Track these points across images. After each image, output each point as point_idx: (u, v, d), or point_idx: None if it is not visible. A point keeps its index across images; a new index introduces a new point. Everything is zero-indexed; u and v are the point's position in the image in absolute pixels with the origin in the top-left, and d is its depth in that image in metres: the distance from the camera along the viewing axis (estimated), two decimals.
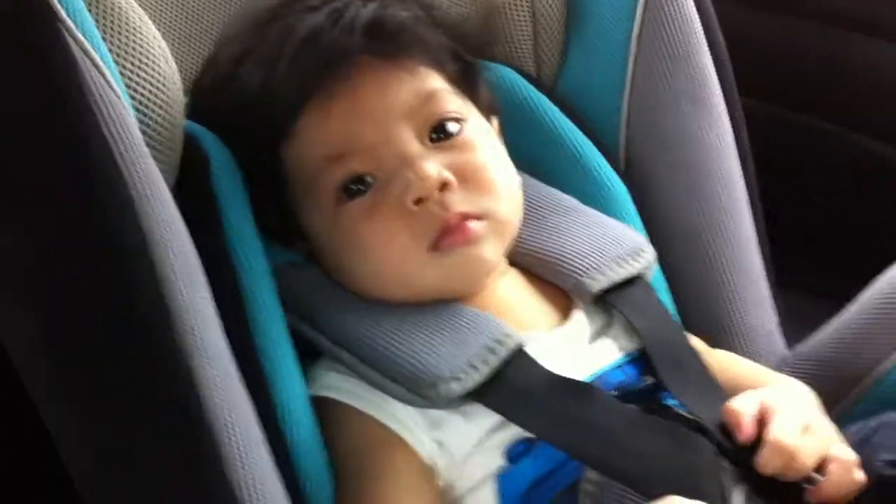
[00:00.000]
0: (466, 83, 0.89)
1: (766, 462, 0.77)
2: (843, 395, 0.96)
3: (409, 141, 0.83)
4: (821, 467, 0.78)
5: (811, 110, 1.36)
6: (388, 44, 0.83)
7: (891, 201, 1.31)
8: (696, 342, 0.90)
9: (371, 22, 0.83)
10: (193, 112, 0.87)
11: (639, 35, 1.02)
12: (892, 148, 1.32)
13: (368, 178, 0.82)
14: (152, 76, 0.77)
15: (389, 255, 0.81)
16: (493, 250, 0.83)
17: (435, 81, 0.85)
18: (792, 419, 0.78)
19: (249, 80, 0.84)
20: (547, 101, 1.02)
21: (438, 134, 0.84)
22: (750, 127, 1.07)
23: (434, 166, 0.81)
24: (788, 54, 1.37)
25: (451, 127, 0.85)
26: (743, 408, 0.79)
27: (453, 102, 0.86)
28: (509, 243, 0.87)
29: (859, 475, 0.79)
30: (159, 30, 0.82)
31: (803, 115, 1.37)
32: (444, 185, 0.81)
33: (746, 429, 0.78)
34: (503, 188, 0.85)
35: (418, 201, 0.81)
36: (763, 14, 1.38)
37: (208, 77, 0.90)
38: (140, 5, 0.81)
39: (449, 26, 0.90)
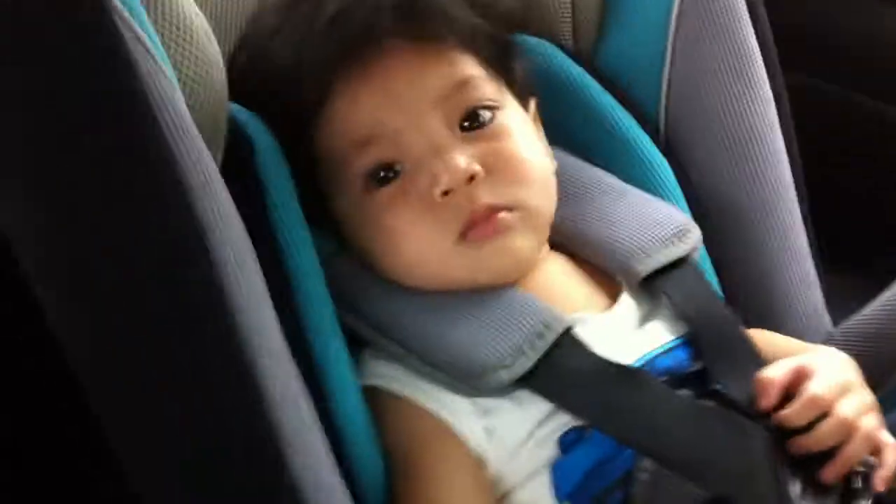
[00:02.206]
0: (502, 65, 0.86)
1: (797, 414, 0.75)
2: (890, 372, 0.95)
3: (439, 129, 0.81)
4: (873, 453, 0.77)
5: (851, 84, 1.34)
6: (418, 26, 0.81)
7: None
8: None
9: (401, 2, 0.81)
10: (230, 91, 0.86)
11: (680, 6, 1.00)
12: None
13: (396, 167, 0.81)
14: (196, 55, 0.76)
15: (416, 246, 0.80)
16: (525, 241, 0.82)
17: (468, 66, 0.83)
18: (828, 380, 0.77)
19: (278, 60, 0.82)
20: (586, 75, 1.00)
21: (470, 122, 0.82)
22: (793, 102, 1.05)
23: (463, 157, 0.79)
24: (826, 28, 1.35)
25: (484, 115, 0.83)
26: (771, 374, 0.78)
27: (486, 89, 0.83)
28: (545, 231, 0.85)
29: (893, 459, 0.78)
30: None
31: (842, 90, 1.35)
32: (472, 177, 0.79)
33: (770, 395, 0.76)
34: (535, 178, 0.83)
35: (445, 193, 0.79)
36: None
37: (242, 55, 0.88)
38: None
39: (485, 4, 0.87)
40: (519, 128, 0.85)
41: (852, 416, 0.76)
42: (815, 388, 0.77)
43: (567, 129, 0.96)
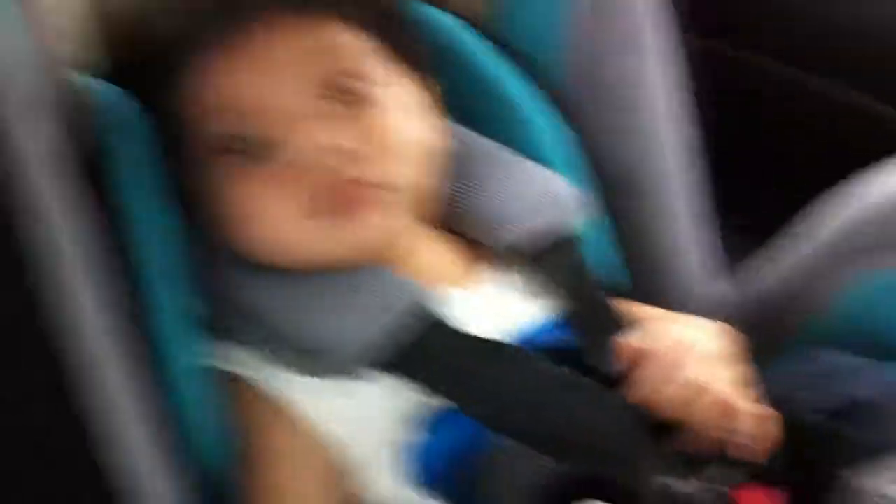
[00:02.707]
0: (390, 38, 0.83)
1: (643, 380, 0.75)
2: (784, 333, 0.96)
3: (304, 99, 0.77)
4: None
5: (749, 45, 1.35)
6: None
7: (822, 134, 1.30)
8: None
9: None
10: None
11: None
12: (828, 81, 1.31)
13: (252, 136, 0.77)
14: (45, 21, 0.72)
15: (268, 221, 0.76)
16: (386, 219, 0.77)
17: (347, 37, 0.80)
18: (675, 348, 0.77)
19: (158, 21, 0.80)
20: (481, 43, 0.98)
21: (343, 93, 0.79)
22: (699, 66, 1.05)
23: (324, 129, 0.76)
24: None
25: (355, 85, 0.79)
26: (626, 339, 0.78)
27: (360, 59, 0.80)
28: (416, 210, 0.82)
29: (746, 422, 0.77)
30: None
31: (741, 50, 1.35)
32: (334, 150, 0.76)
33: (623, 358, 0.76)
34: (406, 153, 0.79)
35: (302, 166, 0.76)
36: None
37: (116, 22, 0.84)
38: None
39: None
40: (398, 102, 0.81)
41: (701, 379, 0.75)
42: (656, 353, 0.76)
43: (459, 100, 0.94)
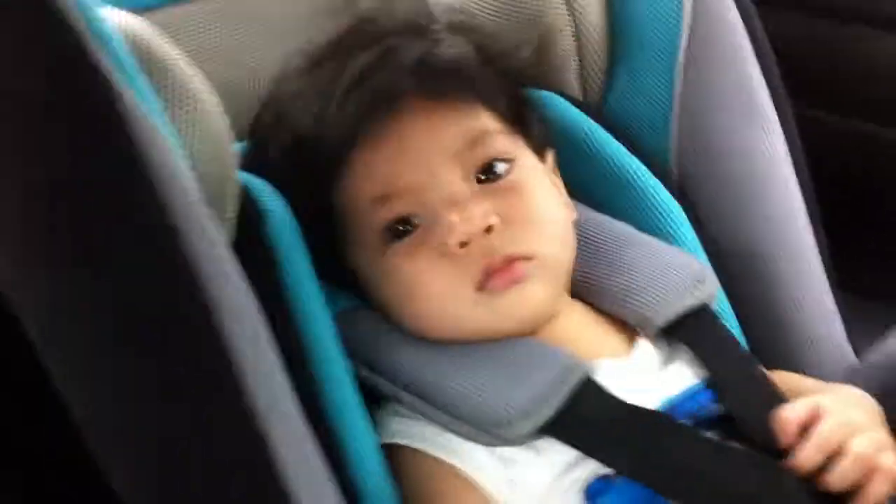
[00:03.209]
0: (517, 118, 0.88)
1: (807, 456, 0.75)
2: None
3: (455, 182, 0.82)
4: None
5: (849, 111, 1.34)
6: (436, 83, 0.83)
7: None
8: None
9: (419, 61, 0.83)
10: (250, 154, 0.88)
11: (685, 51, 1.00)
12: None
13: (414, 220, 0.82)
14: (205, 132, 0.77)
15: (436, 298, 0.81)
16: (543, 290, 0.82)
17: (484, 120, 0.85)
18: (838, 419, 0.77)
19: (301, 121, 0.84)
20: (596, 125, 1.00)
21: (486, 175, 0.84)
22: (806, 133, 1.05)
23: (479, 208, 0.81)
24: (820, 56, 1.36)
25: (500, 167, 0.84)
26: (788, 412, 0.77)
27: (502, 142, 0.85)
28: (563, 281, 0.86)
29: None
30: (206, 79, 0.82)
31: (841, 117, 1.35)
32: (488, 228, 0.81)
33: (787, 433, 0.76)
34: (551, 228, 0.84)
35: (463, 244, 0.80)
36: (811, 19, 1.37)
37: (264, 119, 0.90)
38: (186, 56, 0.81)
39: (502, 59, 0.89)
40: (535, 179, 0.86)
41: (868, 453, 0.76)
42: (823, 427, 0.76)
43: (580, 181, 0.97)
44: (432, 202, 0.82)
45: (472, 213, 0.80)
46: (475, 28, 0.91)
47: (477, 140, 0.83)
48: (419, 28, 0.87)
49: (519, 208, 0.83)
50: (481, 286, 0.80)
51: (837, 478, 0.75)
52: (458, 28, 0.89)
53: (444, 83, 0.83)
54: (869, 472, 0.75)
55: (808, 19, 1.36)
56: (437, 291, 0.81)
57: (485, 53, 0.87)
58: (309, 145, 0.83)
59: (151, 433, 0.68)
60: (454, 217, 0.80)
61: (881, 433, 0.80)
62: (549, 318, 0.84)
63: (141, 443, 0.68)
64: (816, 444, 0.76)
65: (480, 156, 0.83)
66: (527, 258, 0.81)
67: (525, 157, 0.87)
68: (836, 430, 0.76)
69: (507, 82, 0.88)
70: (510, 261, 0.81)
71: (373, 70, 0.82)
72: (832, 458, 0.76)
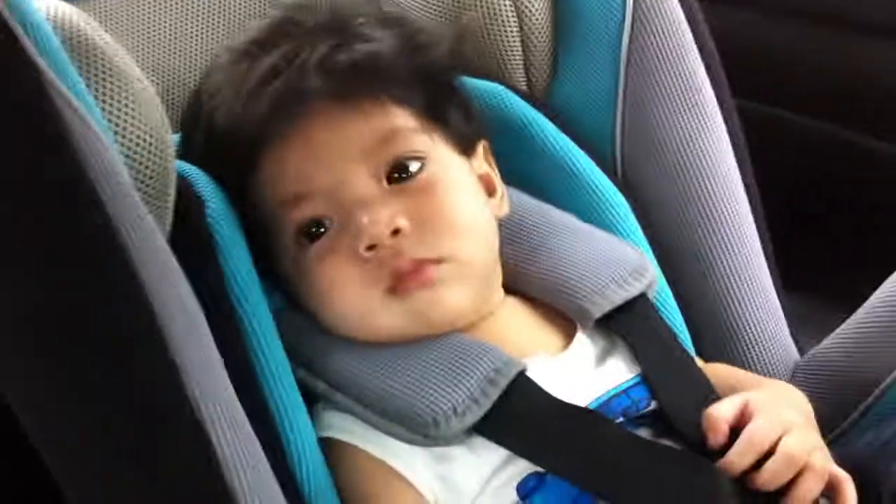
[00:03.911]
0: (435, 113, 0.86)
1: (739, 456, 0.75)
2: (858, 400, 0.94)
3: (364, 183, 0.81)
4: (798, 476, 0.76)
5: (810, 109, 1.35)
6: (342, 83, 0.82)
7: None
8: (696, 361, 0.89)
9: (322, 61, 0.82)
10: (183, 145, 0.87)
11: (628, 44, 1.01)
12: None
13: (326, 222, 0.82)
14: (141, 123, 0.76)
15: (347, 301, 0.81)
16: (457, 293, 0.81)
17: (395, 118, 0.83)
18: (770, 417, 0.77)
19: (216, 120, 0.84)
20: (540, 116, 1.00)
21: (398, 174, 0.82)
22: (749, 130, 1.05)
23: (386, 210, 0.80)
24: (782, 55, 1.36)
25: (412, 166, 0.83)
26: (718, 411, 0.78)
27: (414, 140, 0.83)
28: (486, 279, 0.85)
29: (851, 491, 0.77)
30: (145, 67, 0.81)
31: (802, 116, 1.36)
32: (396, 230, 0.80)
33: (717, 432, 0.77)
34: (466, 228, 0.82)
35: (371, 247, 0.79)
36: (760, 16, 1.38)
37: (190, 113, 0.89)
38: (124, 45, 0.80)
39: (427, 51, 0.87)
40: (451, 177, 0.84)
41: (799, 451, 0.76)
42: (753, 427, 0.76)
43: (523, 171, 0.97)
44: (342, 204, 0.81)
45: (378, 216, 0.79)
46: (402, 20, 0.90)
47: (386, 139, 0.82)
48: (339, 24, 0.85)
49: (431, 208, 0.81)
50: (391, 290, 0.80)
51: (768, 477, 0.75)
52: (385, 21, 0.88)
53: (350, 83, 0.82)
54: (800, 471, 0.76)
55: (796, 25, 1.37)
56: (348, 295, 0.80)
57: (409, 46, 0.86)
58: (222, 143, 0.83)
59: (92, 435, 0.67)
60: (363, 219, 0.79)
61: (811, 432, 0.80)
62: (471, 318, 0.83)
63: (79, 447, 0.68)
64: (747, 443, 0.76)
65: (390, 155, 0.82)
66: (437, 261, 0.80)
67: (441, 154, 0.85)
68: (767, 429, 0.76)
69: (429, 76, 0.86)
70: (419, 264, 0.80)
71: (279, 70, 0.81)
72: (763, 457, 0.76)
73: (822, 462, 0.77)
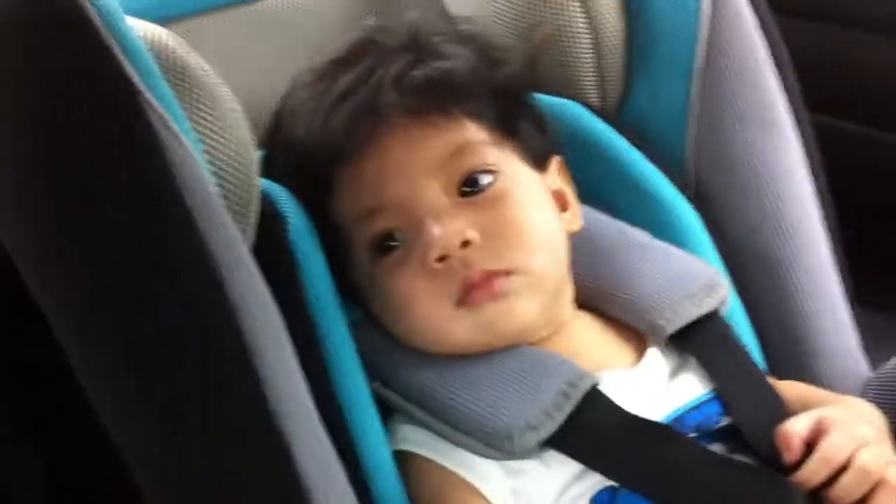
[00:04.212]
0: (507, 127, 0.87)
1: (812, 472, 0.76)
2: None
3: (435, 196, 0.82)
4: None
5: (863, 120, 1.34)
6: (416, 99, 0.83)
7: None
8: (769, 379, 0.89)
9: (398, 78, 0.83)
10: (265, 163, 0.89)
11: (704, 59, 1.01)
12: None
13: (398, 235, 0.83)
14: (229, 140, 0.78)
15: (418, 313, 0.82)
16: (527, 304, 0.82)
17: (467, 132, 0.85)
18: (844, 433, 0.77)
19: (293, 135, 0.86)
20: (613, 132, 1.01)
21: (470, 187, 0.83)
22: (824, 143, 1.05)
23: (456, 222, 0.81)
24: (841, 67, 1.35)
25: (483, 179, 0.84)
26: (792, 427, 0.78)
27: (486, 153, 0.85)
28: (557, 293, 0.85)
29: None
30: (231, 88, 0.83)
31: (857, 125, 1.35)
32: (466, 242, 0.81)
33: (792, 449, 0.77)
34: (537, 241, 0.83)
35: (441, 259, 0.80)
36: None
37: (273, 130, 0.91)
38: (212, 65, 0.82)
39: (494, 68, 0.89)
40: (522, 190, 0.85)
41: (874, 466, 0.76)
42: (829, 442, 0.77)
43: (595, 187, 0.97)
44: (414, 216, 0.82)
45: (448, 227, 0.80)
46: (477, 37, 0.91)
47: (458, 152, 0.83)
48: (416, 43, 0.87)
49: (501, 220, 0.82)
50: (461, 302, 0.81)
51: (842, 492, 0.76)
52: (460, 38, 0.90)
53: (424, 98, 0.84)
54: (874, 486, 0.76)
55: (811, 25, 1.36)
56: (419, 307, 0.81)
57: (483, 62, 0.88)
58: (300, 160, 0.85)
59: (172, 444, 0.70)
60: (434, 231, 0.80)
61: (887, 447, 0.80)
62: (540, 331, 0.84)
63: (160, 452, 0.70)
64: (821, 458, 0.76)
65: (462, 168, 0.83)
66: (507, 272, 0.81)
67: (513, 168, 0.86)
68: (842, 445, 0.76)
69: (502, 91, 0.88)
70: (489, 276, 0.81)
71: (356, 87, 0.83)
72: (837, 472, 0.76)
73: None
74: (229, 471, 0.69)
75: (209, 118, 0.78)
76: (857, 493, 0.76)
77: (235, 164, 0.79)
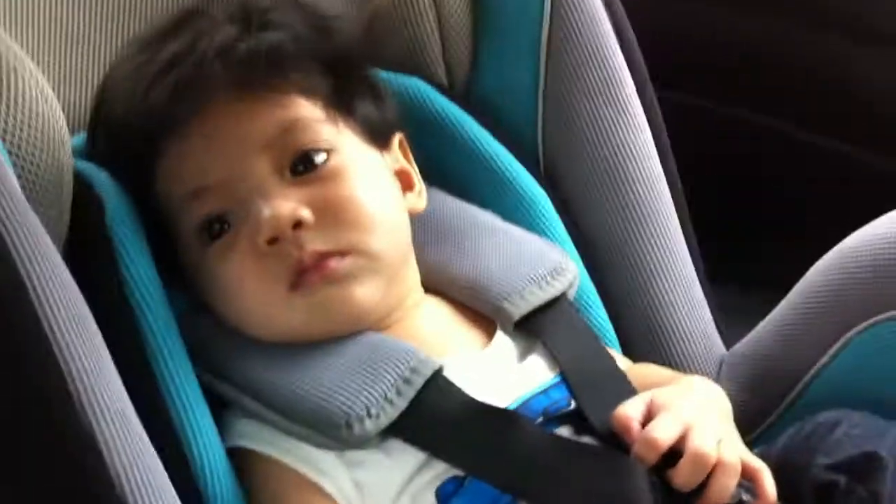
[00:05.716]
0: (342, 104, 0.83)
1: (644, 454, 0.74)
2: (783, 394, 0.94)
3: (265, 176, 0.78)
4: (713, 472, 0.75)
5: (732, 99, 1.35)
6: (243, 72, 0.79)
7: (820, 188, 1.30)
8: (621, 360, 0.88)
9: (223, 49, 0.79)
10: (88, 143, 0.84)
11: (548, 37, 0.99)
12: (822, 136, 1.31)
13: (228, 217, 0.79)
14: (28, 118, 0.72)
15: (250, 298, 0.78)
16: (365, 288, 0.78)
17: (298, 108, 0.81)
18: (672, 415, 0.75)
19: (113, 113, 0.81)
20: (460, 111, 0.98)
21: (303, 166, 0.79)
22: (671, 120, 1.04)
23: (287, 203, 0.77)
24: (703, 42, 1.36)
25: (317, 158, 0.80)
26: (626, 411, 0.76)
27: (318, 131, 0.81)
28: (398, 275, 0.82)
29: (770, 484, 0.76)
30: (42, 63, 0.77)
31: (727, 105, 1.36)
32: (297, 223, 0.77)
33: (630, 431, 0.75)
34: (374, 221, 0.79)
35: (272, 241, 0.77)
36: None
37: (92, 109, 0.86)
38: (19, 41, 0.76)
39: (326, 38, 0.85)
40: (359, 169, 0.82)
41: (708, 449, 0.74)
42: (652, 425, 0.75)
43: (444, 167, 0.95)
44: (242, 197, 0.78)
45: (279, 208, 0.76)
46: (310, 7, 0.87)
47: (289, 129, 0.80)
48: (245, 14, 0.83)
49: (335, 199, 0.78)
50: (294, 286, 0.77)
51: (682, 480, 0.74)
52: (293, 9, 0.85)
53: (252, 71, 0.79)
54: (712, 467, 0.74)
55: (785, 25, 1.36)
56: (250, 292, 0.78)
57: (314, 33, 0.84)
58: (120, 138, 0.80)
59: None
60: (263, 212, 0.77)
61: (717, 423, 0.78)
62: (378, 315, 0.81)
63: None
64: (644, 440, 0.74)
65: (293, 146, 0.80)
66: (342, 253, 0.78)
67: (349, 146, 0.82)
68: (667, 426, 0.75)
69: (336, 63, 0.84)
70: (323, 257, 0.77)
71: (179, 59, 0.79)
72: (674, 454, 0.74)
73: (733, 454, 0.75)
74: (31, 476, 0.64)
75: (7, 104, 0.71)
76: (698, 478, 0.74)
77: (37, 144, 0.73)
